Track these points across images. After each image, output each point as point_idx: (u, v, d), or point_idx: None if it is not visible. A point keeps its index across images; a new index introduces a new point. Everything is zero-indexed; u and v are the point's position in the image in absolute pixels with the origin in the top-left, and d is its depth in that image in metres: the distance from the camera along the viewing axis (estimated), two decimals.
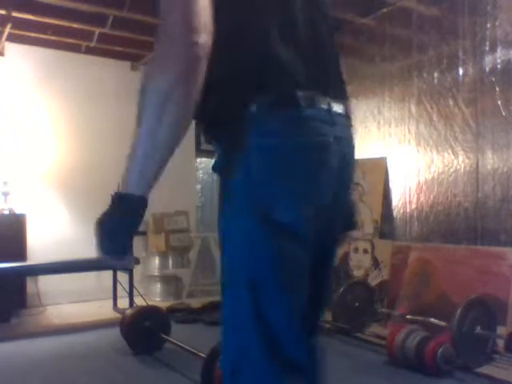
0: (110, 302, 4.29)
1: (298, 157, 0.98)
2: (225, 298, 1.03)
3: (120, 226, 1.03)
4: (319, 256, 1.09)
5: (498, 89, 3.25)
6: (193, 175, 5.78)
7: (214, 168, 1.09)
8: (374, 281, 3.76)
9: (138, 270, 4.35)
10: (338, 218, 1.12)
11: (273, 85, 0.98)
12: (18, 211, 4.34)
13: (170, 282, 4.95)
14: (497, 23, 3.27)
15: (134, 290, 4.08)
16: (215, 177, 6.14)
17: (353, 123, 1.17)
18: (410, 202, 3.86)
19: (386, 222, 3.99)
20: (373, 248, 3.90)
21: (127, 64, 5.24)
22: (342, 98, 1.12)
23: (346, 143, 1.10)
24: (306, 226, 0.99)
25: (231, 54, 0.99)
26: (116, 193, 1.03)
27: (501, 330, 2.80)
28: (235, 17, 0.99)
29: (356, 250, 4.03)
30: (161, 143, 0.98)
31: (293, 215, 0.97)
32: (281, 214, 0.96)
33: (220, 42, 0.94)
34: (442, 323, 2.84)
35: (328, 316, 3.50)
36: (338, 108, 1.07)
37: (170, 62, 0.92)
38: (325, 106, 1.03)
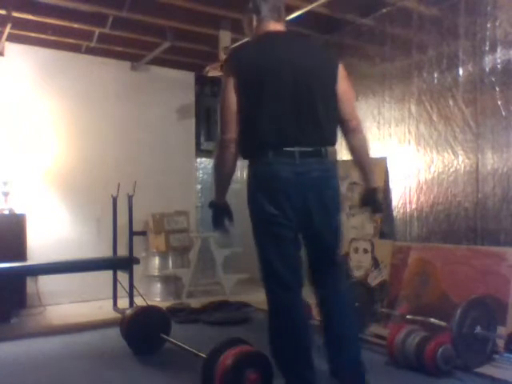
0: (110, 302, 4.29)
1: (266, 182, 2.06)
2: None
3: (214, 217, 2.26)
4: (308, 235, 2.16)
5: (497, 89, 3.25)
6: (193, 175, 5.78)
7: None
8: (374, 281, 3.76)
9: (138, 270, 4.35)
10: (317, 216, 2.09)
11: (259, 151, 2.07)
12: (18, 211, 4.34)
13: (170, 282, 4.95)
14: (497, 23, 3.27)
15: (134, 290, 4.08)
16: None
17: (325, 159, 2.10)
18: (409, 202, 3.86)
19: (386, 222, 3.99)
20: (373, 248, 3.90)
21: (127, 64, 5.24)
22: (314, 146, 2.07)
23: (308, 175, 2.05)
24: (264, 212, 2.06)
25: (243, 139, 2.09)
26: (211, 201, 2.28)
27: (501, 330, 2.81)
28: (243, 123, 2.06)
29: (356, 250, 4.03)
30: (216, 182, 2.25)
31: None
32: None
33: (240, 135, 2.07)
34: (442, 323, 2.84)
35: None
36: (305, 153, 2.04)
37: (216, 149, 2.15)
38: (285, 155, 2.03)
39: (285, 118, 2.03)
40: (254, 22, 2.20)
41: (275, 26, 2.19)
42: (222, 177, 2.19)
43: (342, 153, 4.48)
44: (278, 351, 2.12)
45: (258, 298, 4.40)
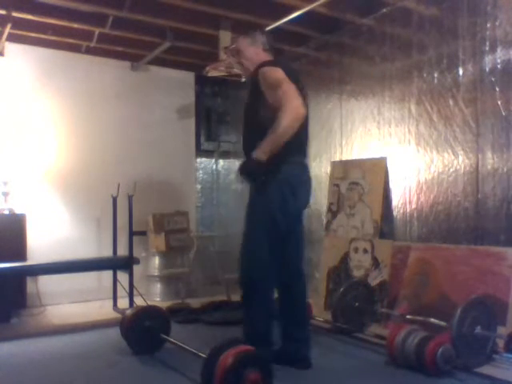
0: (110, 302, 4.29)
1: (296, 181, 2.66)
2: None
3: (255, 169, 2.49)
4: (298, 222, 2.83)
5: (497, 89, 3.25)
6: (193, 175, 5.78)
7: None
8: (374, 281, 3.76)
9: (137, 270, 4.35)
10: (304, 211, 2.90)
11: (289, 157, 2.60)
12: (18, 211, 4.34)
13: (170, 282, 4.95)
14: (497, 23, 3.27)
15: (134, 290, 4.08)
16: (215, 177, 6.16)
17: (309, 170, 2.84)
18: (410, 202, 3.86)
19: (386, 222, 3.99)
20: (373, 248, 3.90)
21: (127, 64, 5.24)
22: (306, 159, 2.82)
23: (310, 179, 2.78)
24: (288, 207, 2.61)
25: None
26: (252, 158, 2.48)
27: (501, 330, 2.81)
28: None
29: (356, 249, 4.03)
30: (275, 144, 2.45)
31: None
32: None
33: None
34: (442, 323, 2.84)
35: (328, 316, 3.50)
36: (307, 164, 2.80)
37: (291, 117, 2.41)
38: (303, 164, 2.73)
39: (305, 134, 2.72)
40: (259, 49, 2.76)
41: (271, 57, 2.77)
42: (284, 139, 2.42)
43: (342, 153, 4.49)
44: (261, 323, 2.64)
45: None
